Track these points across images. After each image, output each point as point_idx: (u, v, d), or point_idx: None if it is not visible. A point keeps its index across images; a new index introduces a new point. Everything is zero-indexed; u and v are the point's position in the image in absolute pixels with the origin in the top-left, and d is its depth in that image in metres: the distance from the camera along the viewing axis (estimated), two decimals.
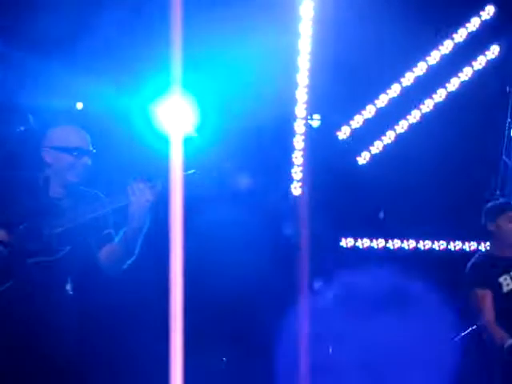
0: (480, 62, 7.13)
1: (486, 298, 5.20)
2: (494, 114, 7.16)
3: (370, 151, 7.16)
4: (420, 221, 7.12)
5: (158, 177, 4.12)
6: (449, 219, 7.16)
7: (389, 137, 7.15)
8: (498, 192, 7.05)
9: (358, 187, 7.15)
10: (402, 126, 7.13)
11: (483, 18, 7.03)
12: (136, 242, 4.10)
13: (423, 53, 7.07)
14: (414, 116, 7.14)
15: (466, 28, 7.09)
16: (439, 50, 7.07)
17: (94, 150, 4.28)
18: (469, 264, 5.35)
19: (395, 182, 7.13)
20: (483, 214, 5.37)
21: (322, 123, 7.13)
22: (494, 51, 7.12)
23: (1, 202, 4.12)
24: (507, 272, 5.24)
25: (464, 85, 7.13)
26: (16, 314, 4.01)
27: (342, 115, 7.15)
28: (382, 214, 7.22)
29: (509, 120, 7.10)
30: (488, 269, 5.26)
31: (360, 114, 7.12)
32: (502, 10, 7.10)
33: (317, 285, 6.67)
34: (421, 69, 7.07)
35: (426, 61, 7.07)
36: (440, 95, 7.13)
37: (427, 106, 7.12)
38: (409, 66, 7.07)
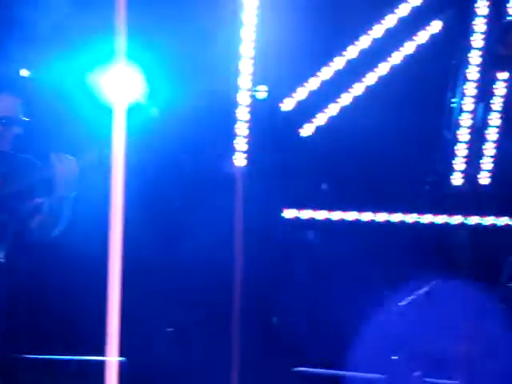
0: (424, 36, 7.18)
1: None
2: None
3: (313, 123, 7.21)
4: (370, 191, 7.20)
5: (87, 150, 4.16)
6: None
7: (332, 109, 7.21)
8: None
9: (301, 159, 7.21)
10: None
11: None
12: (62, 211, 4.13)
13: (367, 26, 7.11)
14: (358, 89, 7.20)
15: (408, 2, 7.13)
16: (382, 24, 7.11)
17: (26, 119, 4.28)
18: None
19: (339, 153, 7.21)
20: None
21: (267, 95, 7.16)
22: (436, 25, 7.17)
23: None
24: None
25: (407, 59, 7.17)
26: None
27: (287, 87, 7.19)
28: (324, 186, 7.30)
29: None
30: None
31: (303, 86, 7.16)
32: None
33: None
34: (364, 42, 7.11)
35: (368, 34, 7.11)
36: (383, 68, 7.18)
37: (370, 79, 7.18)
38: (352, 39, 7.11)
